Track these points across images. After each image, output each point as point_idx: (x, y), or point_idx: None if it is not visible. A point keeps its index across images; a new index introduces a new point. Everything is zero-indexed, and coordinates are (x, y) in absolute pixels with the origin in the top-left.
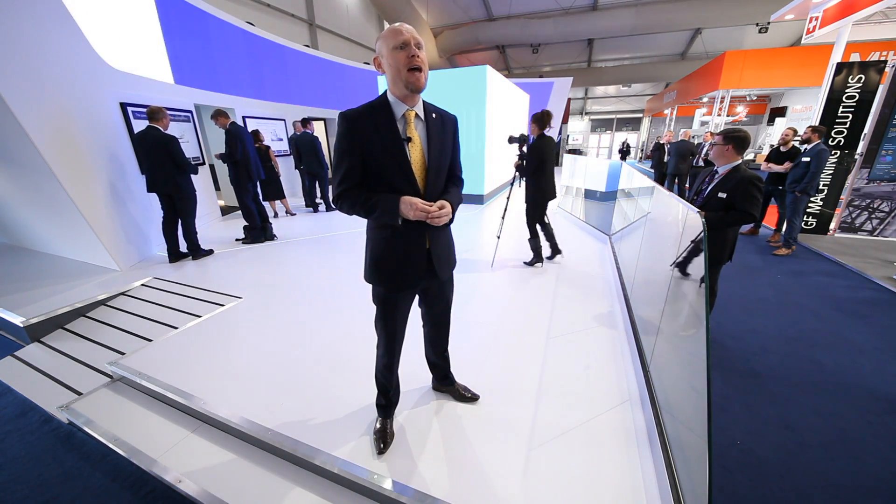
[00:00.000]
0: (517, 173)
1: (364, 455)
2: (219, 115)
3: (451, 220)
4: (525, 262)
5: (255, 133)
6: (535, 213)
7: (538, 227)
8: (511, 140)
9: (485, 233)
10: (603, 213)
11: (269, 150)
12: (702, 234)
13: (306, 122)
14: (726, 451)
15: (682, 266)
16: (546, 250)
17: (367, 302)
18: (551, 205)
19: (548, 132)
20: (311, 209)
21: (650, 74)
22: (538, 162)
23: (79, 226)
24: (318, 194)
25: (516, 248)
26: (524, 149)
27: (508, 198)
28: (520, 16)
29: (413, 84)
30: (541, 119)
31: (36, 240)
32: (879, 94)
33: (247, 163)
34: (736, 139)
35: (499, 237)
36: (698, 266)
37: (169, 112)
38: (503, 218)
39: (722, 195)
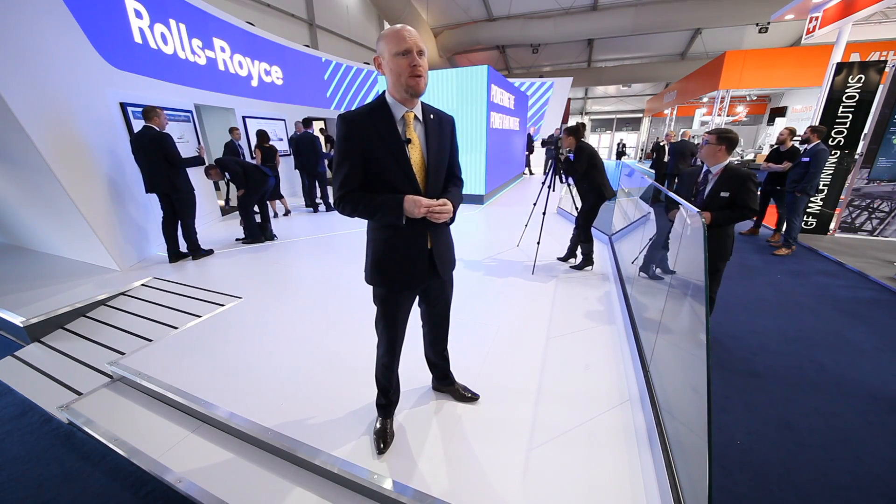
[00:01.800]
0: (557, 176)
1: (364, 455)
2: (208, 169)
3: (453, 220)
4: (572, 266)
5: (263, 133)
6: (592, 214)
7: (577, 229)
8: (545, 143)
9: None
10: (603, 213)
11: (276, 152)
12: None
13: (307, 122)
14: (726, 451)
15: (646, 267)
16: (561, 252)
17: (366, 302)
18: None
19: (554, 133)
20: (311, 209)
21: (650, 74)
22: (588, 160)
23: (79, 226)
24: (318, 194)
25: (530, 251)
26: (561, 150)
27: (535, 204)
28: (520, 16)
29: (413, 89)
30: (576, 131)
31: (36, 240)
32: (879, 94)
33: (249, 174)
34: (730, 140)
35: (538, 243)
36: (696, 268)
37: (169, 112)
38: (542, 222)
39: (725, 194)
